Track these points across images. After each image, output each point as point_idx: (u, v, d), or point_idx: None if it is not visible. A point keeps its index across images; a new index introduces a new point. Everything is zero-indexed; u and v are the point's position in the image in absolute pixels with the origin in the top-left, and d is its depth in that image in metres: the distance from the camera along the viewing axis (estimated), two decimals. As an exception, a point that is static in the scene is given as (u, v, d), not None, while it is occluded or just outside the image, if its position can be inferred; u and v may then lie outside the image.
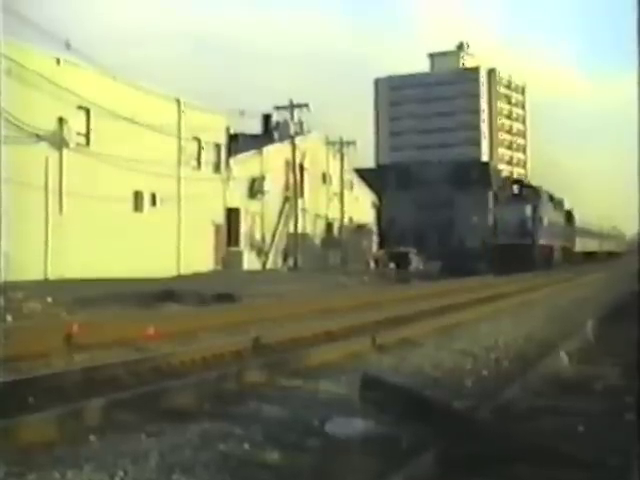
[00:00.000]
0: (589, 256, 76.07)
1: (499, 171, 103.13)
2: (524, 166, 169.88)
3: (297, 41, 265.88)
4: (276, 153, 54.51)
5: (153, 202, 40.64)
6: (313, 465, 5.89)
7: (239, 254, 49.32)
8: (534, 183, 64.12)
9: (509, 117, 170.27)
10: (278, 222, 55.41)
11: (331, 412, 7.33)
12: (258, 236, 53.23)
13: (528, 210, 51.34)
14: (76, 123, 35.35)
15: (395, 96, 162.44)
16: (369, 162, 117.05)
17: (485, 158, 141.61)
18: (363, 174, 73.46)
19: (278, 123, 56.68)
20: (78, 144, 35.58)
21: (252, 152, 52.62)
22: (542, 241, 51.58)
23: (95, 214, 34.89)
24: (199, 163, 45.92)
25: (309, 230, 59.24)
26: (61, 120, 34.50)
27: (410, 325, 14.88)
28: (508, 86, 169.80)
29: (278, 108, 54.92)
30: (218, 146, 48.07)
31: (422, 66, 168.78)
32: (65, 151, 34.75)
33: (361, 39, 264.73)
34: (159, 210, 40.74)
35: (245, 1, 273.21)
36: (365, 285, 34.69)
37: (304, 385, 9.08)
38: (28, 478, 5.45)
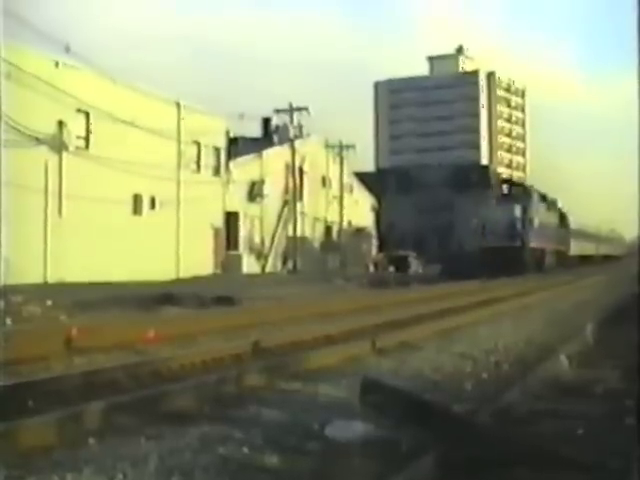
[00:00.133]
0: (585, 260, 73.11)
1: (499, 174, 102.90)
2: (524, 169, 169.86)
3: (297, 44, 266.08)
4: (276, 157, 54.55)
5: (152, 205, 40.65)
6: (313, 469, 5.88)
7: (238, 257, 49.33)
8: (533, 185, 63.56)
9: (509, 120, 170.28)
10: (277, 225, 55.44)
11: (331, 415, 7.32)
12: (257, 239, 53.25)
13: (517, 210, 48.13)
14: (75, 126, 35.37)
15: (395, 99, 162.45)
16: (369, 165, 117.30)
17: (485, 161, 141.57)
18: (363, 177, 73.50)
19: (278, 126, 56.73)
20: (77, 147, 35.61)
21: (252, 155, 52.68)
22: (533, 243, 48.71)
23: (94, 217, 34.90)
24: (198, 166, 45.94)
25: (308, 234, 59.26)
26: (60, 123, 34.52)
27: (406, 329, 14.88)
28: (508, 89, 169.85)
29: (278, 111, 55.00)
30: (218, 149, 48.11)
31: (421, 69, 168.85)
32: (64, 154, 34.77)
33: (360, 42, 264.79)
34: (158, 213, 40.75)
35: (245, 5, 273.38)
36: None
37: (304, 388, 9.07)
38: (27, 481, 5.46)
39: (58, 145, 34.48)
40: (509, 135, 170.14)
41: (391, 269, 59.51)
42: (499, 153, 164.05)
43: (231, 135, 51.90)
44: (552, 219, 57.95)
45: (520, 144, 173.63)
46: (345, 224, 65.32)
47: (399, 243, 70.62)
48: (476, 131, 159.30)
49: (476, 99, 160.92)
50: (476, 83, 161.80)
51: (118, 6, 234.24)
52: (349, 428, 6.81)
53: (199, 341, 13.59)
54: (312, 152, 59.31)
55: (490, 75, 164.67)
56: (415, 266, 61.09)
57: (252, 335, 13.23)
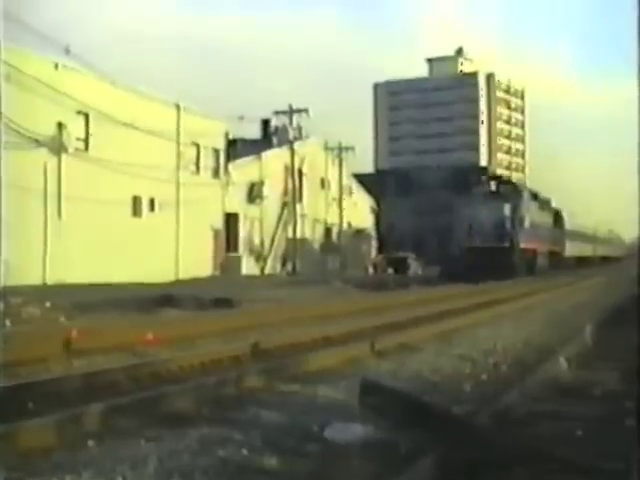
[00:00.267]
0: (582, 261, 70.64)
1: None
2: (523, 171, 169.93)
3: (296, 46, 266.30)
4: (275, 158, 54.57)
5: (152, 207, 40.66)
6: (312, 471, 5.88)
7: (238, 259, 49.33)
8: (532, 187, 63.01)
9: (508, 122, 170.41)
10: (277, 227, 55.44)
11: (330, 417, 7.32)
12: (257, 241, 53.26)
13: (507, 209, 44.78)
14: (75, 128, 35.37)
15: (394, 101, 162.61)
16: (368, 167, 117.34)
17: (484, 163, 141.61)
18: (362, 179, 73.52)
19: (277, 128, 56.73)
20: (77, 149, 35.61)
21: (251, 157, 52.69)
22: (523, 244, 45.39)
23: (94, 219, 34.90)
24: (198, 168, 45.95)
25: (308, 235, 59.28)
26: (60, 125, 34.52)
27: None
28: (507, 91, 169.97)
29: (277, 113, 55.01)
30: (217, 151, 48.12)
31: (421, 71, 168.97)
32: (64, 156, 34.77)
33: (360, 44, 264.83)
34: (158, 215, 40.75)
35: (245, 7, 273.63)
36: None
37: (303, 390, 9.07)
38: (27, 483, 5.46)
39: (57, 147, 34.48)
40: (508, 137, 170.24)
41: (390, 271, 59.56)
42: (498, 155, 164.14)
43: (230, 137, 51.90)
44: (545, 219, 55.31)
45: (519, 145, 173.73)
46: (344, 226, 65.34)
47: (398, 245, 70.64)
48: (475, 133, 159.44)
49: (475, 101, 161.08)
50: (475, 85, 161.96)
51: (117, 8, 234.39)
52: (348, 430, 6.81)
53: (198, 343, 13.59)
54: (311, 154, 59.32)
55: (489, 77, 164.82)
56: (414, 268, 61.09)
57: (251, 337, 13.23)
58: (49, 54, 33.39)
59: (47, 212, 33.89)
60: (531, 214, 48.42)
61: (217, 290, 26.08)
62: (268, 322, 16.60)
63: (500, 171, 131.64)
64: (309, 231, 59.93)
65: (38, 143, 33.33)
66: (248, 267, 49.98)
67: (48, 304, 19.36)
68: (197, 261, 43.19)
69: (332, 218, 64.10)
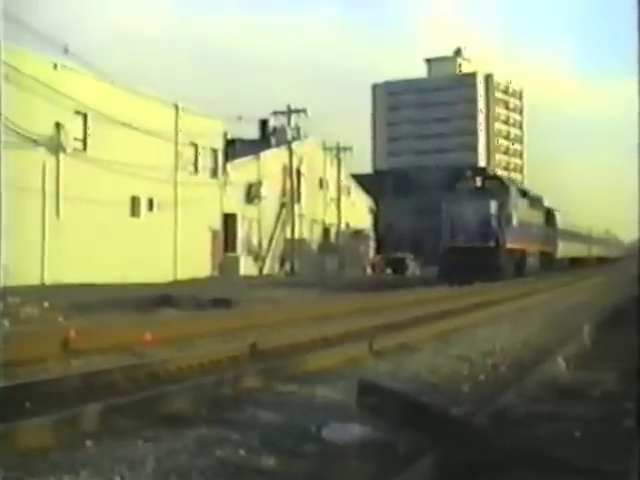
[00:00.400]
0: (576, 262, 67.46)
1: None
2: (521, 171, 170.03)
3: (294, 46, 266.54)
4: (273, 158, 54.62)
5: (150, 207, 40.69)
6: (310, 471, 5.88)
7: (236, 259, 49.37)
8: (531, 188, 62.29)
9: (506, 122, 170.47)
10: (275, 227, 55.48)
11: (328, 418, 7.32)
12: (255, 241, 53.30)
13: (493, 206, 41.17)
14: (73, 128, 35.38)
15: (392, 101, 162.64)
16: (366, 167, 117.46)
17: (482, 164, 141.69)
18: (360, 179, 73.59)
19: (275, 128, 56.82)
20: (75, 149, 35.65)
21: (249, 157, 52.74)
22: (511, 244, 42.06)
23: (92, 219, 34.92)
24: (196, 168, 45.98)
25: (306, 235, 59.32)
26: (58, 125, 34.52)
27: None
28: (505, 91, 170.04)
29: (275, 113, 55.05)
30: (215, 151, 48.16)
31: (419, 71, 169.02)
32: (62, 156, 34.80)
33: (358, 44, 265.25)
34: (156, 215, 40.78)
35: (243, 7, 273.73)
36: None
37: (301, 390, 9.07)
38: (25, 483, 5.45)
39: (56, 147, 34.51)
40: (507, 137, 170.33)
41: (389, 271, 59.64)
42: (497, 155, 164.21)
43: (229, 137, 51.98)
44: (536, 217, 51.81)
45: (518, 146, 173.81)
46: (343, 226, 65.39)
47: (397, 245, 70.67)
48: (474, 133, 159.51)
49: (474, 101, 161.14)
50: (474, 85, 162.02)
51: (116, 8, 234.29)
52: (346, 430, 6.81)
53: (196, 343, 13.58)
54: (310, 154, 59.36)
55: (488, 77, 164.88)
56: (412, 268, 61.14)
57: (250, 337, 13.22)
58: (48, 54, 33.42)
59: (45, 212, 33.91)
60: (520, 212, 45.22)
61: (213, 290, 26.09)
62: (267, 322, 16.60)
63: (499, 171, 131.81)
64: (307, 231, 59.97)
65: (36, 143, 33.36)
66: (246, 267, 50.00)
67: (46, 304, 19.35)
68: (195, 261, 43.21)
69: (330, 218, 64.14)
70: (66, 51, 32.76)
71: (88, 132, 36.53)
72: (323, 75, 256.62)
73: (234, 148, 51.86)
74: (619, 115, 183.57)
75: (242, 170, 51.15)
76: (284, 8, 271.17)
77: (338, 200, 64.38)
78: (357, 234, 69.10)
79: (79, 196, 34.20)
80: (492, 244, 40.32)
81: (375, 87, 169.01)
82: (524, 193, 49.85)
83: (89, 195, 34.52)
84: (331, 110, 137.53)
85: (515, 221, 43.55)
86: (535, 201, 52.69)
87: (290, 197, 54.40)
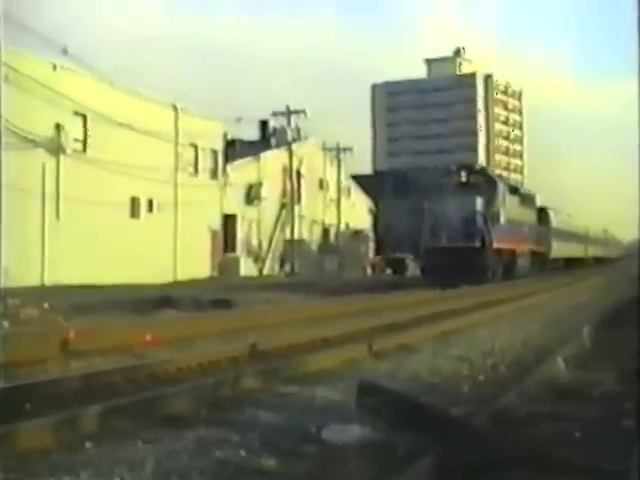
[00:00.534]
0: (572, 263, 64.88)
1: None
2: (521, 172, 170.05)
3: (294, 47, 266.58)
4: (273, 159, 54.63)
5: (150, 208, 40.70)
6: (310, 472, 5.89)
7: (236, 260, 49.38)
8: (531, 188, 61.63)
9: (506, 123, 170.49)
10: (275, 228, 55.49)
11: (328, 419, 7.32)
12: (255, 242, 53.31)
13: (478, 203, 37.99)
14: (73, 129, 35.39)
15: (392, 102, 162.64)
16: (366, 168, 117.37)
17: (482, 164, 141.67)
18: (360, 180, 73.58)
19: (275, 129, 56.86)
20: (75, 150, 35.65)
21: (249, 158, 52.75)
22: (498, 244, 38.71)
23: (92, 220, 34.93)
24: (196, 169, 46.00)
25: (306, 236, 59.33)
26: (58, 126, 34.53)
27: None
28: (505, 92, 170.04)
29: (275, 114, 55.06)
30: (215, 152, 48.17)
31: (419, 72, 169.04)
32: (62, 157, 34.81)
33: (358, 45, 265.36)
34: (156, 216, 40.78)
35: (243, 8, 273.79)
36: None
37: (301, 391, 9.07)
38: (24, 485, 5.46)
39: (55, 148, 34.52)
40: (506, 138, 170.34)
41: (389, 271, 59.66)
42: (496, 156, 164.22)
43: (228, 138, 51.98)
44: (527, 216, 48.64)
45: (517, 146, 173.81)
46: (342, 227, 65.40)
47: (396, 245, 70.58)
48: (473, 134, 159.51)
49: (473, 101, 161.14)
50: (473, 85, 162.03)
51: (115, 9, 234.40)
52: (346, 431, 6.81)
53: (196, 344, 13.59)
54: (309, 155, 59.38)
55: (487, 77, 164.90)
56: (412, 268, 61.09)
57: (249, 338, 13.22)
58: (47, 55, 33.43)
59: (45, 213, 33.91)
60: (509, 209, 42.00)
61: (215, 291, 26.10)
62: (267, 323, 16.61)
63: (498, 172, 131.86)
64: (307, 232, 59.98)
65: (36, 144, 33.36)
66: (246, 268, 50.01)
67: (46, 305, 19.36)
68: (195, 262, 43.21)
69: (330, 219, 64.15)
70: (65, 52, 32.79)
71: (88, 133, 36.54)
72: (323, 75, 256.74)
73: (234, 149, 51.87)
74: (619, 115, 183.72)
75: (242, 171, 51.16)
76: (283, 9, 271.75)
77: (338, 201, 64.40)
78: (357, 235, 69.10)
79: (79, 197, 34.20)
80: (477, 244, 37.33)
81: (375, 87, 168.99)
82: (514, 189, 46.82)
83: (89, 196, 34.52)
84: (331, 111, 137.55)
85: (503, 219, 40.45)
86: (526, 198, 49.81)
87: (290, 198, 54.42)
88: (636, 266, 42.73)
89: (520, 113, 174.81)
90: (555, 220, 59.30)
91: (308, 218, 59.87)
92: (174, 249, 42.30)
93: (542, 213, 54.83)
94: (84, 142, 36.56)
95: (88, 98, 35.31)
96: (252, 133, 59.46)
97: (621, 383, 9.42)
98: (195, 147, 45.63)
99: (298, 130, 55.23)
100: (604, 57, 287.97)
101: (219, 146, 48.72)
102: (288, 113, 53.89)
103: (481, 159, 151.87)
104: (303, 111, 54.18)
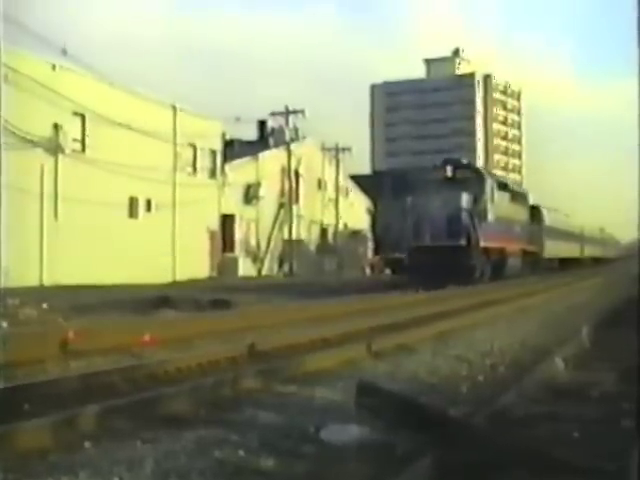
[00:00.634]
0: (567, 263, 62.77)
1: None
2: (520, 172, 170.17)
3: (293, 47, 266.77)
4: (271, 159, 54.62)
5: (148, 208, 40.68)
6: (308, 472, 5.89)
7: (234, 260, 49.37)
8: (530, 188, 61.04)
9: (504, 123, 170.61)
10: (273, 228, 55.48)
11: (327, 419, 7.32)
12: (253, 242, 53.29)
13: (464, 199, 35.59)
14: (72, 129, 35.39)
15: (391, 102, 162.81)
16: (365, 168, 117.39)
17: (481, 164, 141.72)
18: (358, 180, 73.55)
19: (273, 129, 56.83)
20: (73, 150, 35.65)
21: (247, 158, 52.74)
22: (486, 242, 36.22)
23: (90, 220, 34.92)
24: (194, 169, 46.00)
25: (304, 236, 59.32)
26: (56, 126, 34.52)
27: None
28: (504, 92, 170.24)
29: (274, 114, 55.05)
30: (213, 152, 48.16)
31: (418, 72, 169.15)
32: (60, 157, 34.79)
33: (357, 45, 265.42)
34: (154, 216, 40.77)
35: (242, 8, 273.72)
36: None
37: (300, 391, 9.07)
38: (23, 485, 5.45)
39: (54, 148, 34.50)
40: (505, 138, 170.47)
41: (387, 271, 59.62)
42: (495, 156, 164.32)
43: (227, 138, 51.97)
44: (519, 214, 46.28)
45: (516, 146, 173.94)
46: (341, 227, 65.40)
47: (395, 245, 70.47)
48: (472, 134, 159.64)
49: (472, 102, 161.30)
50: (472, 86, 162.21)
51: (114, 9, 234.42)
52: (345, 431, 6.81)
53: (195, 344, 13.59)
54: (308, 155, 59.37)
55: (486, 77, 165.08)
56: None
57: (248, 338, 13.22)
58: (46, 55, 33.43)
59: (44, 213, 33.90)
60: (498, 206, 39.50)
61: (214, 291, 26.09)
62: (265, 323, 16.61)
63: (497, 172, 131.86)
64: (305, 232, 59.97)
65: (34, 144, 33.35)
66: (245, 268, 50.00)
67: (45, 305, 19.36)
68: (194, 262, 43.21)
69: (329, 219, 64.15)
70: (64, 52, 32.81)
71: (86, 133, 36.54)
72: (321, 75, 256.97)
73: (232, 149, 51.87)
74: (618, 115, 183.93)
75: (240, 171, 51.15)
76: (282, 8, 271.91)
77: (336, 201, 64.39)
78: (355, 235, 69.07)
79: (77, 197, 34.19)
80: (463, 242, 34.94)
81: (374, 87, 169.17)
82: (504, 185, 44.16)
83: (87, 196, 34.51)
84: (329, 111, 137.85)
85: (492, 216, 38.03)
86: (517, 195, 47.34)
87: (288, 198, 54.41)
88: (634, 266, 42.36)
89: (519, 113, 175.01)
90: (548, 218, 57.27)
91: (307, 218, 59.86)
92: (173, 249, 42.29)
93: (535, 211, 52.71)
94: (83, 142, 36.56)
95: (87, 98, 35.31)
96: (250, 133, 59.55)
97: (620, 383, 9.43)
98: (194, 147, 45.63)
99: (296, 130, 55.23)
100: (604, 57, 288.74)
101: (218, 146, 48.71)
102: (287, 113, 53.89)
103: (479, 159, 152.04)
104: (302, 111, 54.19)
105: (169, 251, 41.91)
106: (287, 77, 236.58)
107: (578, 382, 9.78)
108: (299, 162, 57.14)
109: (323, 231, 64.11)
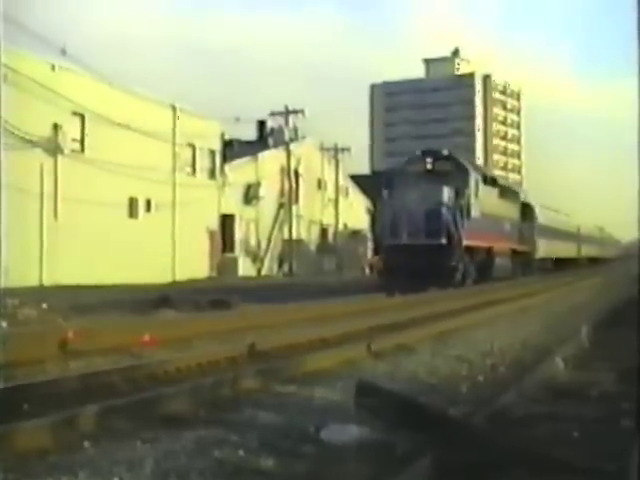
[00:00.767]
0: (562, 263, 60.28)
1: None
2: (519, 171, 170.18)
3: (292, 47, 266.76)
4: (271, 159, 54.62)
5: (148, 208, 40.69)
6: (308, 472, 5.88)
7: (234, 260, 49.38)
8: (529, 187, 60.88)
9: (504, 123, 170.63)
10: (273, 228, 55.48)
11: (326, 419, 7.32)
12: (253, 242, 53.30)
13: (445, 194, 32.40)
14: (71, 129, 35.39)
15: (390, 102, 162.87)
16: (364, 168, 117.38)
17: (480, 164, 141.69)
18: (358, 180, 73.55)
19: (273, 129, 56.84)
20: (73, 150, 35.65)
21: (247, 158, 52.74)
22: (470, 241, 33.13)
23: (90, 220, 34.93)
24: (194, 169, 46.00)
25: (304, 236, 59.32)
26: (56, 126, 34.52)
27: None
28: (503, 92, 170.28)
29: (273, 114, 55.04)
30: (213, 152, 48.17)
31: (417, 72, 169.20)
32: (60, 157, 34.79)
33: (356, 45, 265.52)
34: (154, 216, 40.78)
35: (241, 8, 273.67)
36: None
37: (299, 391, 9.07)
38: (23, 485, 5.45)
39: (53, 148, 34.50)
40: (504, 138, 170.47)
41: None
42: (494, 156, 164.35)
43: (226, 138, 51.96)
44: (509, 211, 43.16)
45: (515, 146, 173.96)
46: (341, 227, 65.39)
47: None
48: (471, 134, 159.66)
49: (472, 102, 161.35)
50: (472, 86, 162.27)
51: (114, 10, 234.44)
52: (344, 431, 6.81)
53: (195, 344, 13.59)
54: (307, 155, 59.37)
55: (486, 77, 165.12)
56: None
57: (248, 338, 13.21)
58: (46, 55, 33.43)
59: (43, 213, 33.90)
60: (484, 202, 36.13)
61: (214, 291, 26.09)
62: (265, 323, 16.61)
63: (496, 172, 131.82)
64: (305, 232, 59.97)
65: (34, 144, 33.34)
66: (245, 268, 50.01)
67: (45, 305, 19.35)
68: (194, 262, 43.20)
69: (328, 219, 64.16)
70: (64, 52, 32.83)
71: (86, 133, 36.55)
72: (321, 75, 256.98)
73: (232, 149, 51.88)
74: (618, 115, 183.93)
75: (240, 171, 51.15)
76: (282, 8, 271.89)
77: (336, 201, 64.40)
78: (355, 234, 69.07)
79: (77, 197, 34.19)
80: (443, 240, 31.81)
81: (373, 87, 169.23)
82: (492, 180, 40.49)
83: (87, 196, 34.52)
84: (329, 111, 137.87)
85: (476, 213, 34.60)
86: (507, 191, 44.03)
87: (288, 198, 54.41)
88: (633, 267, 42.09)
89: (518, 113, 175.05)
90: (541, 216, 53.92)
91: (306, 218, 59.86)
92: (172, 249, 42.28)
93: (526, 208, 49.07)
94: (82, 142, 36.56)
95: (86, 98, 35.31)
96: (250, 133, 59.56)
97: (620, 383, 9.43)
98: (193, 147, 45.63)
99: (296, 130, 55.25)
100: (603, 56, 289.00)
101: (217, 146, 48.71)
102: (286, 113, 53.90)
103: (479, 159, 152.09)
104: (301, 111, 54.20)
105: (169, 251, 41.90)
106: (287, 77, 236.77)
107: (578, 382, 9.79)
108: (299, 162, 57.14)
109: (323, 231, 64.11)
